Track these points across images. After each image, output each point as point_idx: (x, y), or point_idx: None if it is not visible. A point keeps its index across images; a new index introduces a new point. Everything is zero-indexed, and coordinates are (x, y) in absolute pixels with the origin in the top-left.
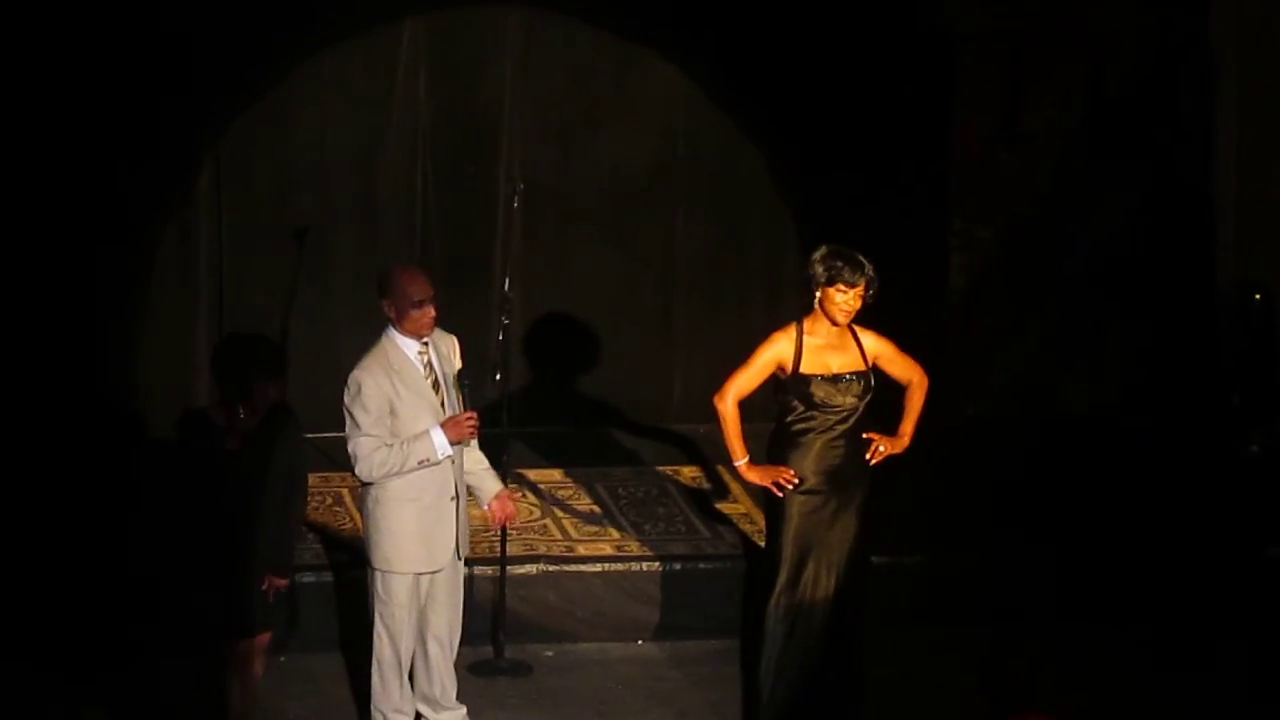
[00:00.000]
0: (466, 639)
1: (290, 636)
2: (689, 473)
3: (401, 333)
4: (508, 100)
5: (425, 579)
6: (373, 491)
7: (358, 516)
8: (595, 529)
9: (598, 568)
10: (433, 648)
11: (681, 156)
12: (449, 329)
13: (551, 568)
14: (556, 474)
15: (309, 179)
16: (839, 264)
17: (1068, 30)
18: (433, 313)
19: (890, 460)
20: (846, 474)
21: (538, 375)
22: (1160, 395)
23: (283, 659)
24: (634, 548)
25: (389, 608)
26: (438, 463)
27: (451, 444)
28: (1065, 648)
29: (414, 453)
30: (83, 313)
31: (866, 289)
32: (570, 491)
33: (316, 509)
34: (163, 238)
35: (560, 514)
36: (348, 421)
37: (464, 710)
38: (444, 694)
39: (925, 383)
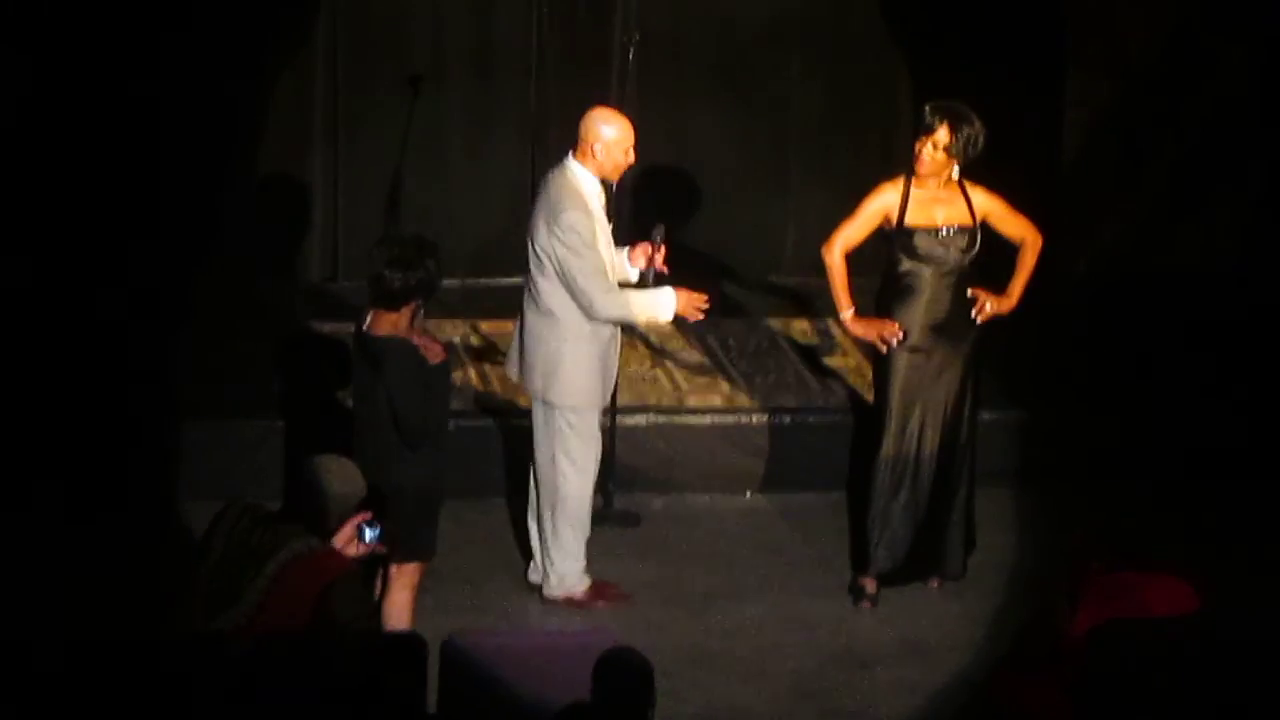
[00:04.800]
0: None
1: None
2: (799, 325)
3: (594, 171)
4: None
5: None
6: (560, 330)
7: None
8: (705, 380)
9: (707, 419)
10: None
11: (797, 9)
12: None
13: (661, 418)
14: (667, 325)
15: (425, 23)
16: (925, 113)
17: None
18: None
19: (999, 317)
20: (952, 329)
21: (650, 227)
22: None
23: None
24: (744, 399)
25: (579, 443)
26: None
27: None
28: (1179, 505)
29: (648, 309)
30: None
31: (952, 139)
32: (680, 343)
33: None
34: (277, 81)
35: (670, 365)
36: (570, 260)
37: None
38: None
39: (1038, 242)
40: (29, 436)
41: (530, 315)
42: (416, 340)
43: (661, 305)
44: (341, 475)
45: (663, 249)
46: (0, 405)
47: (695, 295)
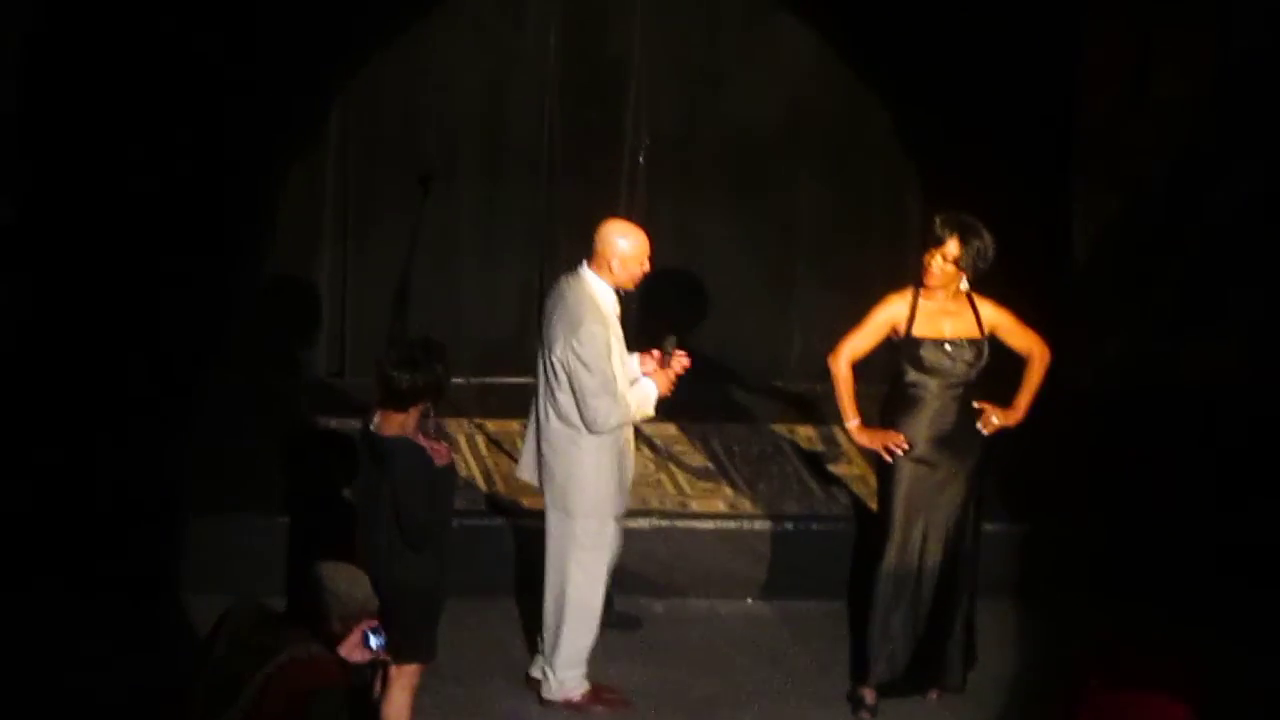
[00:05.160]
0: None
1: None
2: (804, 431)
3: (610, 282)
4: (637, 51)
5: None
6: (580, 441)
7: (482, 461)
8: (709, 485)
9: (710, 524)
10: None
11: (807, 116)
12: None
13: (664, 522)
14: (671, 428)
15: (436, 122)
16: (935, 225)
17: None
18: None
19: (1004, 430)
20: (958, 441)
21: (656, 328)
22: None
23: None
24: (746, 505)
25: (593, 553)
26: (650, 415)
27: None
28: (1182, 620)
29: (638, 404)
30: (210, 248)
31: (961, 252)
32: (685, 446)
33: None
34: (289, 176)
35: (674, 468)
36: (583, 374)
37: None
38: None
39: (1046, 356)
40: (32, 520)
41: (548, 424)
42: (423, 441)
43: (647, 397)
44: (348, 581)
45: (673, 359)
46: (5, 488)
47: (666, 371)
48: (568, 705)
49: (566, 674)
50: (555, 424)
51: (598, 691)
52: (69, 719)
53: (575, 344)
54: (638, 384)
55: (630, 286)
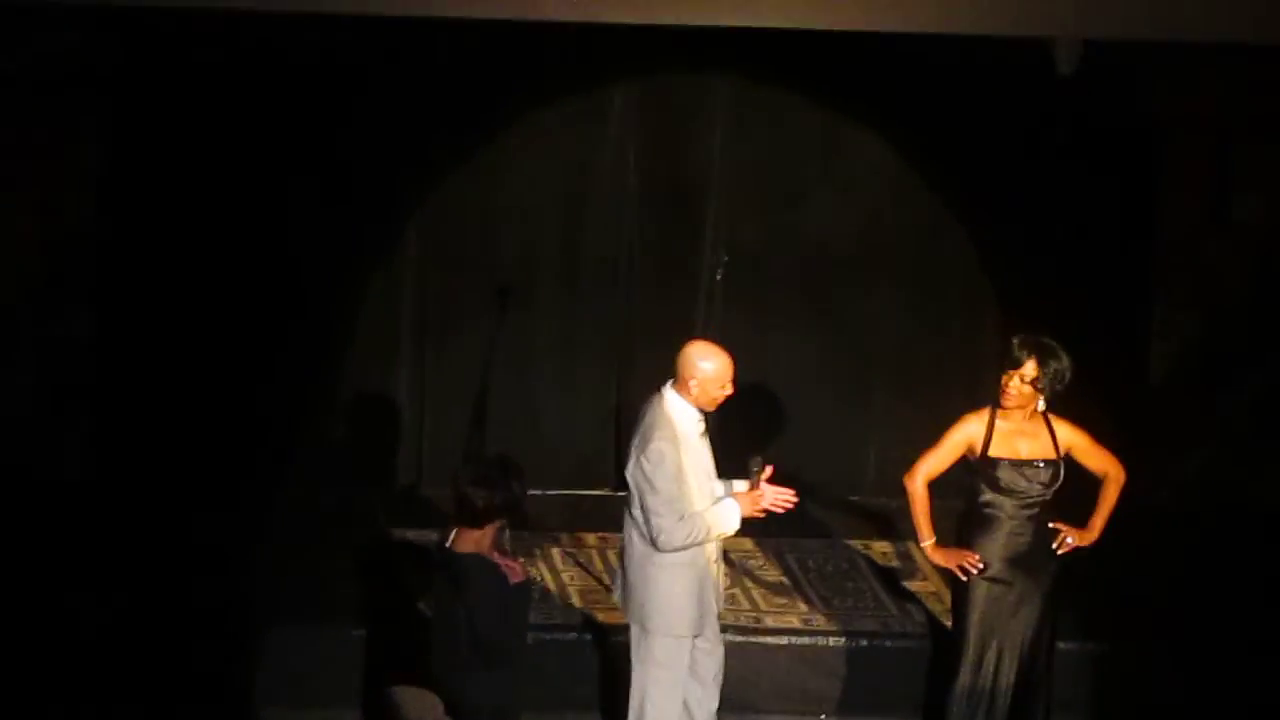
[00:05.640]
0: None
1: None
2: (879, 548)
3: (691, 403)
4: (716, 167)
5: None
6: (656, 558)
7: (558, 575)
8: (783, 601)
9: (784, 640)
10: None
11: (885, 233)
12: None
13: (739, 638)
14: (747, 543)
15: (514, 239)
16: (1013, 346)
17: (1277, 117)
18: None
19: (1079, 550)
20: (1033, 561)
21: (733, 443)
22: None
23: None
24: (821, 621)
25: (669, 671)
26: (730, 534)
27: (743, 517)
28: None
29: (715, 525)
30: (287, 363)
31: (1039, 374)
32: (760, 561)
33: None
34: (367, 289)
35: (749, 583)
36: (648, 491)
37: None
38: None
39: (1121, 477)
40: (112, 631)
41: (629, 543)
42: (498, 559)
43: (726, 517)
44: (419, 706)
45: (762, 479)
46: (86, 600)
47: (755, 493)
48: None
49: None
50: (635, 541)
51: None
52: None
53: (644, 461)
54: (720, 504)
55: (711, 408)
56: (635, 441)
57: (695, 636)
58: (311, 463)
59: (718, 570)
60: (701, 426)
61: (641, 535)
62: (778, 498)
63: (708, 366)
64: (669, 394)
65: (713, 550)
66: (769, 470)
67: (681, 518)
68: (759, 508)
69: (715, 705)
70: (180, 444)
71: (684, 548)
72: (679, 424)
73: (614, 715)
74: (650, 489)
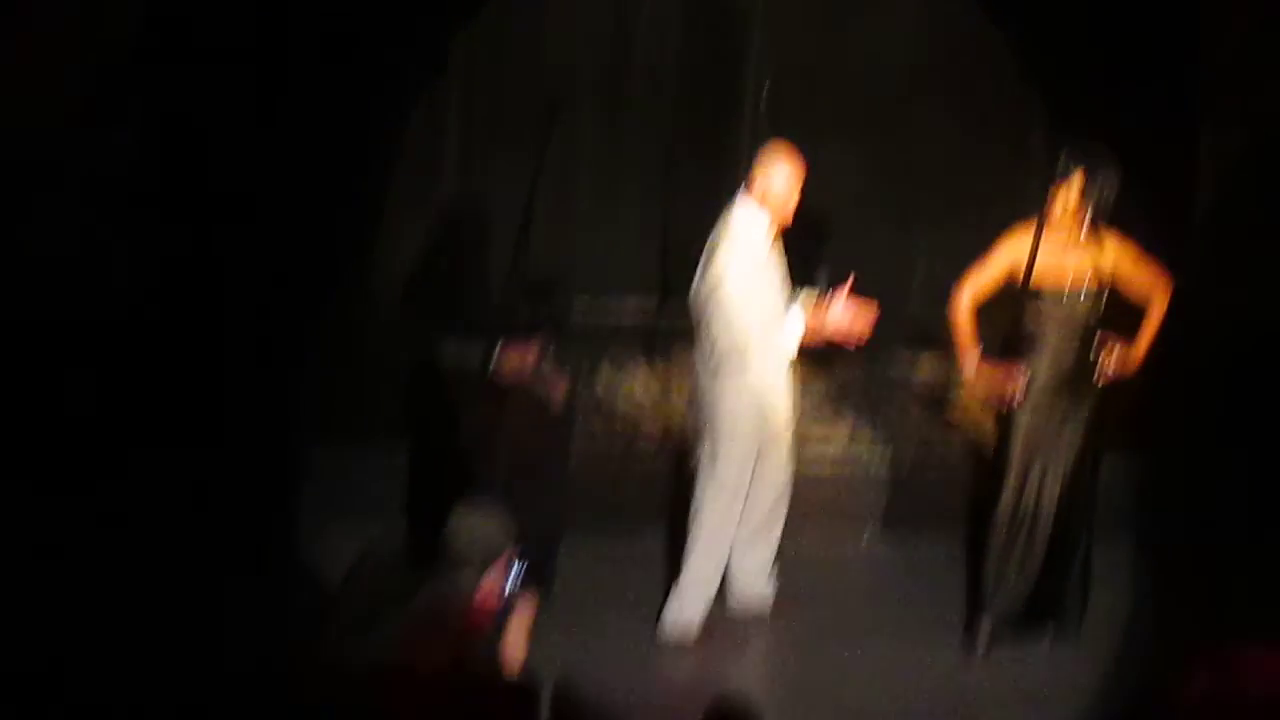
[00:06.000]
0: None
1: None
2: (924, 369)
3: (762, 210)
4: None
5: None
6: (718, 376)
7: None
8: (826, 423)
9: (826, 464)
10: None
11: (932, 49)
12: None
13: None
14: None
15: (559, 58)
16: (1060, 159)
17: None
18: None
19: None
20: (1077, 381)
21: (813, 271)
22: None
23: None
24: (864, 442)
25: (727, 491)
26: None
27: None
28: None
29: (774, 344)
30: (333, 179)
31: (1088, 185)
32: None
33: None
34: (413, 110)
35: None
36: (707, 312)
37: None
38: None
39: (1168, 291)
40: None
41: (698, 361)
42: (544, 376)
43: (790, 330)
44: (487, 520)
45: (841, 293)
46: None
47: (821, 311)
48: (681, 631)
49: (689, 596)
50: (698, 360)
51: (711, 627)
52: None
53: (703, 283)
54: (787, 314)
55: (780, 215)
56: (701, 259)
57: (756, 460)
58: (356, 280)
59: (782, 393)
60: (772, 234)
61: (702, 354)
62: (844, 321)
63: (774, 170)
64: (740, 202)
65: (776, 371)
66: (848, 281)
67: (738, 329)
68: (827, 333)
69: (778, 533)
70: (222, 262)
71: (742, 353)
72: (747, 233)
73: (659, 534)
74: (710, 310)
